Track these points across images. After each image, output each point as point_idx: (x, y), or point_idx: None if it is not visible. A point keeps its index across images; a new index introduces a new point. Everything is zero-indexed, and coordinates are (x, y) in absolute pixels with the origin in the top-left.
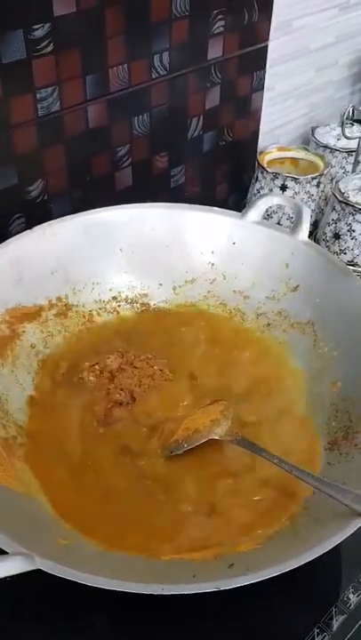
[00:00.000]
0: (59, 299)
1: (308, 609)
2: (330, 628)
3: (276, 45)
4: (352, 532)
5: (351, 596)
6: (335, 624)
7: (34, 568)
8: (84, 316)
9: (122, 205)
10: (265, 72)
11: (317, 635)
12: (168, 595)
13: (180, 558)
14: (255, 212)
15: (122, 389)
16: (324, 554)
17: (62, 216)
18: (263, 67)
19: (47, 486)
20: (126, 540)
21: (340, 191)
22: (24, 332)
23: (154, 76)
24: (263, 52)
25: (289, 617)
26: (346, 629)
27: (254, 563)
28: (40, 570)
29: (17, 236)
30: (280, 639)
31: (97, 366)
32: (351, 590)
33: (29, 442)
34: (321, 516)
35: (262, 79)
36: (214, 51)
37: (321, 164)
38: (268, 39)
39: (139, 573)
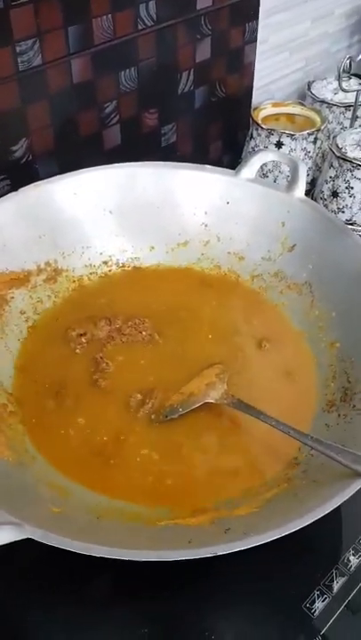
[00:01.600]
0: (47, 264)
1: (309, 571)
2: (330, 590)
3: None
4: (352, 493)
5: (352, 557)
6: (336, 586)
7: (24, 537)
8: (73, 281)
9: (111, 165)
10: (257, 23)
11: (318, 597)
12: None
13: (175, 524)
14: (249, 169)
15: (110, 359)
16: (323, 516)
17: (49, 177)
18: (255, 17)
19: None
20: (122, 490)
21: (337, 147)
22: (12, 298)
23: (140, 28)
24: (255, 2)
25: (289, 580)
26: (346, 591)
27: (252, 526)
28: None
29: (1, 198)
30: (280, 602)
31: (83, 338)
32: (352, 552)
33: (20, 409)
34: (320, 478)
35: (255, 31)
36: (203, 0)
37: (318, 120)
38: None
39: (134, 540)
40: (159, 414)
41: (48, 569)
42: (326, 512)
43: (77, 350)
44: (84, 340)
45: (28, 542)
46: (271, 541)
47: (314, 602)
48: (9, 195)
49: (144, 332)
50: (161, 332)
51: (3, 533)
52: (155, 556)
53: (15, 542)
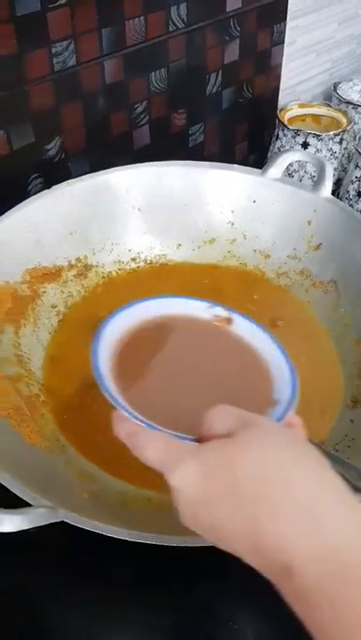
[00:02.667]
0: (78, 259)
1: None
2: None
3: None
4: None
5: None
6: None
7: (57, 520)
8: (103, 277)
9: (140, 164)
10: (285, 25)
11: None
12: (190, 547)
13: None
14: (276, 168)
15: None
16: None
17: (80, 175)
18: (283, 19)
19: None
20: (148, 479)
21: None
22: (45, 292)
23: (171, 29)
24: (283, 4)
25: None
26: None
27: None
28: (63, 523)
29: (35, 195)
30: None
31: None
32: None
33: (51, 398)
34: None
35: (283, 32)
36: (233, 2)
37: (344, 121)
38: None
39: (161, 527)
40: None
41: (73, 556)
42: None
43: None
44: None
45: (53, 530)
46: None
47: None
48: (43, 192)
49: None
50: None
51: (38, 516)
52: (182, 542)
53: (47, 526)
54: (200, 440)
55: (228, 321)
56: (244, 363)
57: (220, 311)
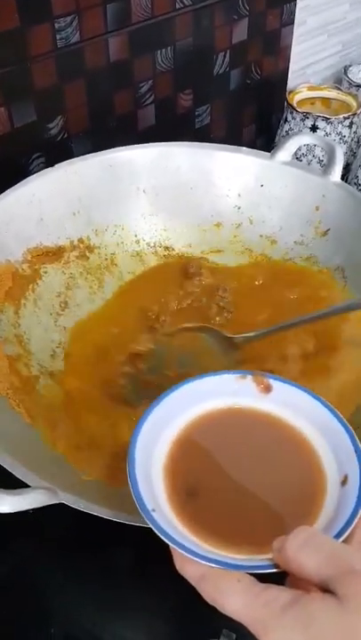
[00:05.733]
0: (80, 240)
1: None
2: None
3: None
4: None
5: None
6: None
7: (56, 502)
8: (105, 259)
9: (146, 144)
10: (295, 5)
11: None
12: None
13: None
14: (285, 152)
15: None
16: None
17: (83, 155)
18: None
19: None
20: None
21: None
22: (45, 272)
23: (178, 7)
24: None
25: None
26: None
27: None
28: (64, 507)
29: (38, 173)
30: None
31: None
32: None
33: (52, 381)
34: None
35: (293, 12)
36: None
37: (354, 104)
38: None
39: None
40: None
41: (74, 540)
42: None
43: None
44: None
45: (54, 514)
46: None
47: None
48: (46, 170)
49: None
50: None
51: (37, 497)
52: None
53: (47, 509)
54: (278, 565)
55: (267, 389)
56: (293, 444)
57: (255, 380)
